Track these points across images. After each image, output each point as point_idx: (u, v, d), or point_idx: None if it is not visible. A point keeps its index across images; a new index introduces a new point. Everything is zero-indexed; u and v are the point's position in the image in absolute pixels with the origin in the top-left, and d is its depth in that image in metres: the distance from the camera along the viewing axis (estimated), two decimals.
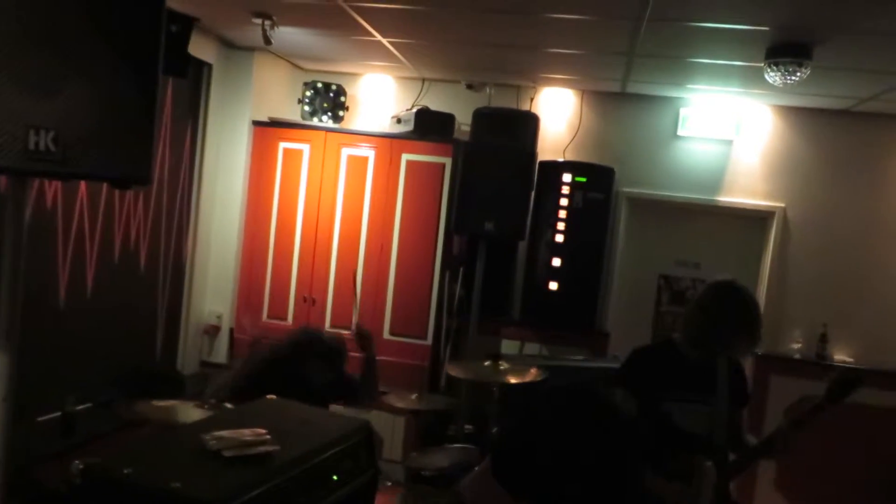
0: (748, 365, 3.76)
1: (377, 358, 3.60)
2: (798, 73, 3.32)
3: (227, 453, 1.71)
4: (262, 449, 1.77)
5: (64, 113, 1.56)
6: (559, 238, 4.71)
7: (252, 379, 3.08)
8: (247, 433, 1.81)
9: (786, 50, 3.33)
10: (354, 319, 4.17)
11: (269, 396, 2.26)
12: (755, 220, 4.86)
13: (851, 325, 4.60)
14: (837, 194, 4.72)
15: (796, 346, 4.72)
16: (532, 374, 3.45)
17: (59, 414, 3.44)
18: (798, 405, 2.81)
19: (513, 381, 3.49)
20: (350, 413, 3.37)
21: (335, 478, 1.90)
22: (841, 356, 4.65)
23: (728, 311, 2.56)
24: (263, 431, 1.84)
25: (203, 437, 1.77)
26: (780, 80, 3.36)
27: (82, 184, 3.61)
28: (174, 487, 1.52)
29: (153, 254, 4.33)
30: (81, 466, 1.58)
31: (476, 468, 1.46)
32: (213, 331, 4.81)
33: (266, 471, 1.71)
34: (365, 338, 3.56)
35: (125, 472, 1.57)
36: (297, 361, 3.20)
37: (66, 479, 1.60)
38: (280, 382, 2.75)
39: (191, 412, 2.29)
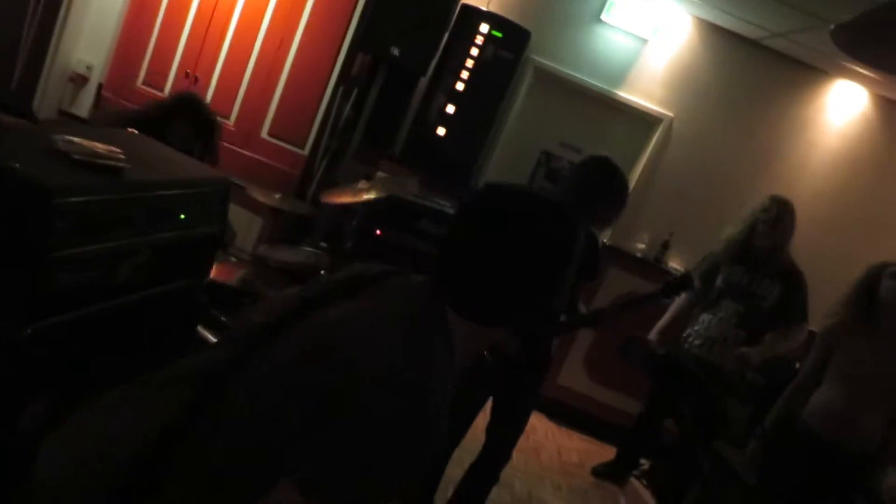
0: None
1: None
2: None
3: (76, 156, 1.65)
4: (113, 163, 1.72)
5: None
6: (459, 86, 4.69)
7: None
8: (99, 146, 1.75)
9: None
10: None
11: (129, 130, 2.18)
12: (643, 122, 5.05)
13: (692, 240, 4.97)
14: (722, 119, 4.98)
15: (641, 246, 5.09)
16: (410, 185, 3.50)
17: None
18: (627, 294, 3.12)
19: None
20: None
21: (182, 217, 1.90)
22: (674, 264, 5.08)
23: (601, 181, 2.75)
24: (118, 150, 1.78)
25: (52, 137, 1.70)
26: None
27: None
28: (12, 166, 1.46)
29: None
30: None
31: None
32: (79, 80, 4.49)
33: (112, 182, 1.67)
34: None
35: None
36: (164, 118, 3.04)
37: None
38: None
39: None
